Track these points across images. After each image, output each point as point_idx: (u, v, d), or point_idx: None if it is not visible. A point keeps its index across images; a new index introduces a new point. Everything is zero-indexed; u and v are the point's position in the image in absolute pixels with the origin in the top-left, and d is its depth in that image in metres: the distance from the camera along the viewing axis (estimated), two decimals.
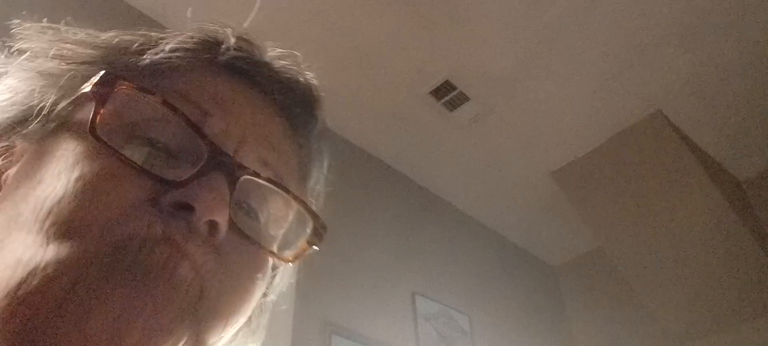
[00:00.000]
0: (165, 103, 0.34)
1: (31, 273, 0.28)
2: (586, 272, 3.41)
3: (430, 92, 2.48)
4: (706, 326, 2.70)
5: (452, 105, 2.54)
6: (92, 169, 0.31)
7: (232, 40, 0.40)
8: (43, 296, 0.28)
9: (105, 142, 0.32)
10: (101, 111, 0.33)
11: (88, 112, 0.34)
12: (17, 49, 0.38)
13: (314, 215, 0.39)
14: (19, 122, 0.36)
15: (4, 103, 0.37)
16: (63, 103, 0.35)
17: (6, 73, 0.38)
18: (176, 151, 0.34)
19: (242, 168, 0.34)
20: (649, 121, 2.66)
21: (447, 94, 2.49)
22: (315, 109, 0.44)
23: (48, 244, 0.29)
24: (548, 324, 3.23)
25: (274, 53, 0.42)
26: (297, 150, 0.42)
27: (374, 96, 2.49)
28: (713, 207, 2.58)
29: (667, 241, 2.70)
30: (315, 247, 0.40)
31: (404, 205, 2.78)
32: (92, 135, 0.32)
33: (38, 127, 0.35)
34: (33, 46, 0.38)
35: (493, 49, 2.35)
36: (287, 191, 0.38)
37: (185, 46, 0.38)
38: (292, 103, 0.42)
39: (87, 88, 0.34)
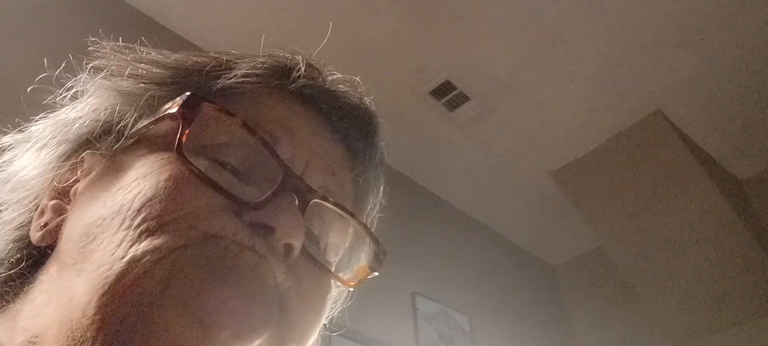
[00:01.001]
0: (244, 125, 0.35)
1: (131, 264, 0.30)
2: (586, 272, 3.41)
3: (430, 92, 2.48)
4: (706, 326, 2.70)
5: (452, 105, 2.54)
6: (177, 180, 0.33)
7: (303, 68, 0.42)
8: (144, 285, 0.29)
9: (189, 162, 0.33)
10: (187, 132, 0.34)
11: (167, 129, 0.36)
12: (93, 67, 0.40)
13: (376, 241, 0.41)
14: (96, 137, 0.38)
15: (84, 118, 0.39)
16: (144, 122, 0.37)
17: (85, 91, 0.40)
18: (247, 174, 0.36)
19: (311, 191, 0.36)
20: (648, 121, 2.66)
21: (447, 94, 2.49)
22: (375, 138, 0.46)
23: (142, 238, 0.30)
24: (548, 324, 3.23)
25: (336, 79, 0.44)
26: (354, 177, 0.44)
27: (374, 96, 2.47)
28: (713, 207, 2.58)
29: (666, 241, 2.70)
30: (376, 273, 0.41)
31: (404, 205, 2.78)
32: (179, 154, 0.33)
33: (114, 142, 0.37)
34: (110, 64, 0.40)
35: (493, 49, 2.35)
36: (353, 215, 0.39)
37: (257, 71, 0.40)
38: (353, 131, 0.44)
39: (173, 108, 0.36)
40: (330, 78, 0.44)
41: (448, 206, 3.05)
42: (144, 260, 0.30)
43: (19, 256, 0.38)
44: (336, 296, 0.44)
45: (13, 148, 0.40)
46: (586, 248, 3.36)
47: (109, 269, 0.30)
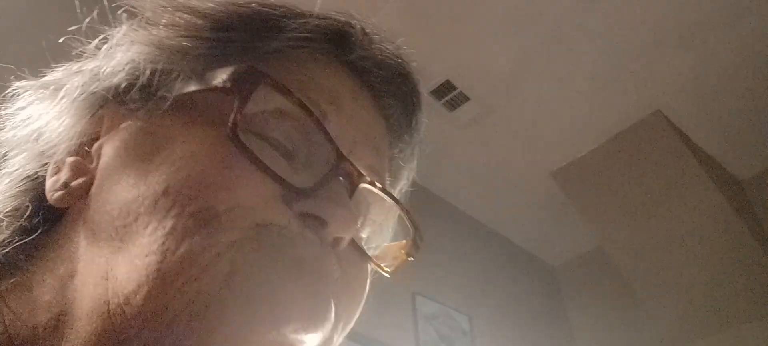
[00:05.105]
0: (301, 105, 0.32)
1: (186, 259, 0.28)
2: (586, 272, 3.41)
3: (430, 92, 2.48)
4: (706, 326, 2.70)
5: (452, 105, 2.54)
6: (228, 165, 0.30)
7: (360, 37, 0.39)
8: (203, 282, 0.28)
9: (244, 146, 0.31)
10: (242, 112, 0.31)
11: (216, 99, 0.33)
12: (126, 10, 0.37)
13: (417, 227, 0.39)
14: (125, 92, 0.34)
15: (115, 72, 0.34)
16: (188, 88, 0.33)
17: (119, 41, 0.35)
18: (293, 151, 0.34)
19: (361, 176, 0.34)
20: (649, 121, 2.66)
21: (447, 94, 2.49)
22: (419, 114, 0.44)
23: (196, 230, 0.28)
24: (548, 324, 3.23)
25: (386, 48, 0.41)
26: (392, 150, 0.42)
27: None
28: (713, 207, 2.58)
29: (667, 241, 2.70)
30: (411, 258, 0.40)
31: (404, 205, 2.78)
32: (233, 139, 0.31)
33: (146, 102, 0.33)
34: (146, 10, 0.36)
35: (493, 49, 2.35)
36: (398, 202, 0.38)
37: (310, 35, 0.37)
38: (398, 105, 0.41)
39: (226, 81, 0.32)
40: (379, 46, 0.41)
41: (448, 206, 3.05)
42: (202, 255, 0.28)
43: (36, 220, 0.34)
44: None
45: (29, 92, 0.36)
46: (586, 248, 3.35)
47: (161, 261, 0.28)
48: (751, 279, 2.56)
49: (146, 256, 0.29)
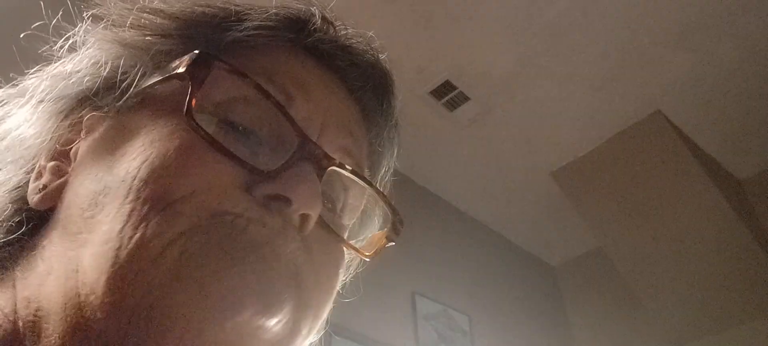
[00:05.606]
0: (258, 87, 0.33)
1: (140, 248, 0.28)
2: (586, 272, 3.41)
3: (430, 92, 2.48)
4: (706, 326, 2.70)
5: (452, 105, 2.54)
6: (187, 150, 0.31)
7: (318, 22, 0.40)
8: (154, 272, 0.28)
9: (200, 128, 0.31)
10: (196, 94, 0.32)
11: (175, 89, 0.33)
12: (92, 15, 0.38)
13: (393, 210, 0.39)
14: (97, 94, 0.35)
15: (84, 72, 0.36)
16: (150, 80, 0.34)
17: (85, 41, 0.37)
18: (261, 136, 0.34)
19: (328, 158, 0.34)
20: (649, 121, 2.66)
21: (447, 94, 2.49)
22: (391, 97, 0.43)
23: (150, 216, 0.29)
24: (548, 324, 3.23)
25: (352, 35, 0.42)
26: (369, 137, 0.42)
27: None
28: (713, 207, 2.58)
29: (667, 241, 2.70)
30: (392, 242, 0.40)
31: (404, 205, 2.77)
32: (189, 122, 0.31)
33: (117, 100, 0.34)
34: (110, 13, 0.37)
35: (493, 49, 2.35)
36: (370, 184, 0.38)
37: (269, 23, 0.37)
38: (369, 89, 0.41)
39: (181, 68, 0.33)
40: (344, 33, 0.41)
41: (448, 206, 3.05)
42: (152, 243, 0.28)
43: (18, 219, 0.36)
44: (348, 262, 0.41)
45: (6, 103, 0.38)
46: (586, 248, 3.36)
47: (119, 248, 0.28)
48: (751, 279, 2.56)
49: (106, 243, 0.29)
